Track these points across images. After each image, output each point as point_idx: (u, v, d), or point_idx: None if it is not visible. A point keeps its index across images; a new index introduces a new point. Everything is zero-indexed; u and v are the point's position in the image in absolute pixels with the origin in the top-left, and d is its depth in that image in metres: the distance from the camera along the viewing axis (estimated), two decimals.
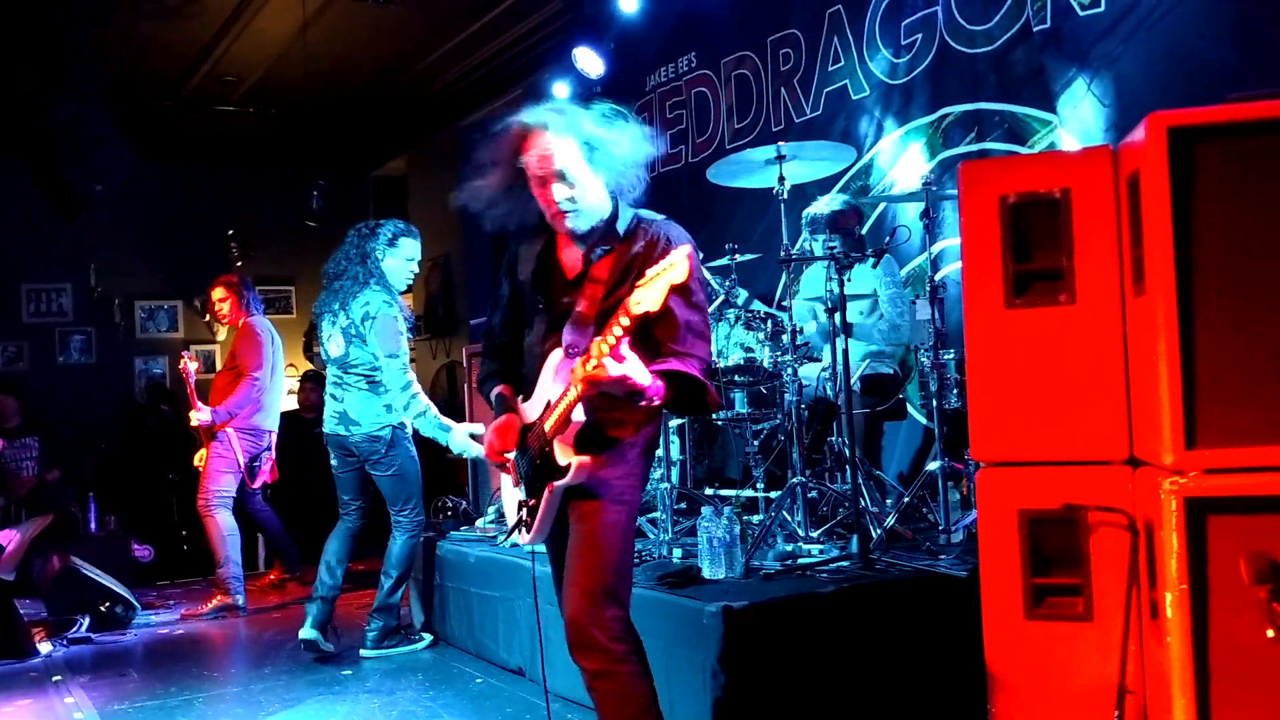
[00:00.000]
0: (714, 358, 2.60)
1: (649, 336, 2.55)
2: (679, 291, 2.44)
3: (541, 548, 2.87)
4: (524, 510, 2.72)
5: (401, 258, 5.07)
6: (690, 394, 2.56)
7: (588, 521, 2.60)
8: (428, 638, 5.12)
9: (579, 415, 2.56)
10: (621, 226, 2.67)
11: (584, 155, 2.57)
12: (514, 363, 2.85)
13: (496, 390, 2.85)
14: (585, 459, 2.57)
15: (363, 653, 4.91)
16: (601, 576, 2.55)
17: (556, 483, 2.59)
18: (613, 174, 2.63)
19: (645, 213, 2.73)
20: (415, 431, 5.02)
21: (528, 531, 2.70)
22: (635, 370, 2.36)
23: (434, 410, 4.87)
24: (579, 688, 3.93)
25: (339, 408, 5.00)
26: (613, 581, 2.56)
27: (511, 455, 2.75)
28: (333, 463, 5.14)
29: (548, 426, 2.59)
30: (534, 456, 2.66)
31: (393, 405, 4.92)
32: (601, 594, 2.53)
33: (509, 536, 3.07)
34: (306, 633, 4.85)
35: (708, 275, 2.57)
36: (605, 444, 2.62)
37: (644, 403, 2.45)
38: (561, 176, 2.57)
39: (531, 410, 2.72)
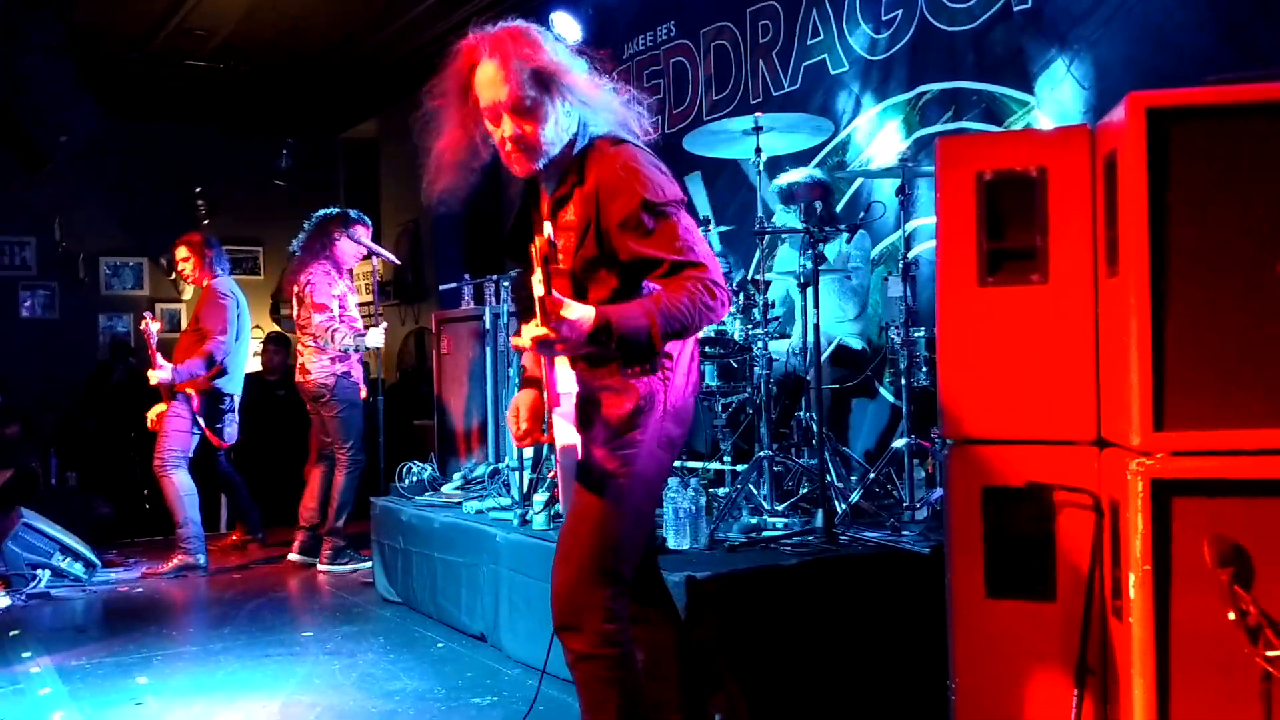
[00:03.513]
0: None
1: (634, 273, 2.35)
2: (627, 218, 2.27)
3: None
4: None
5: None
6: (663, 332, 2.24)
7: (587, 495, 2.39)
8: (369, 561, 5.64)
9: (567, 386, 2.40)
10: (575, 151, 2.38)
11: (535, 86, 2.29)
12: None
13: (521, 361, 2.72)
14: (572, 441, 2.40)
15: (320, 567, 6.02)
16: (599, 555, 2.35)
17: (558, 458, 2.48)
18: (570, 109, 2.35)
19: (606, 137, 2.40)
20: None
21: (561, 502, 2.61)
22: (568, 323, 2.12)
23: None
24: (538, 653, 3.94)
25: None
26: (610, 561, 2.36)
27: (542, 429, 2.58)
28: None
29: (546, 398, 2.47)
30: (548, 430, 2.53)
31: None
32: (598, 573, 2.35)
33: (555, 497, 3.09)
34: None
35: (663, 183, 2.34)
36: (603, 410, 2.39)
37: (612, 346, 2.18)
38: (512, 109, 2.30)
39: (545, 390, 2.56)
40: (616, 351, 2.23)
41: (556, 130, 2.35)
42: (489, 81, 2.30)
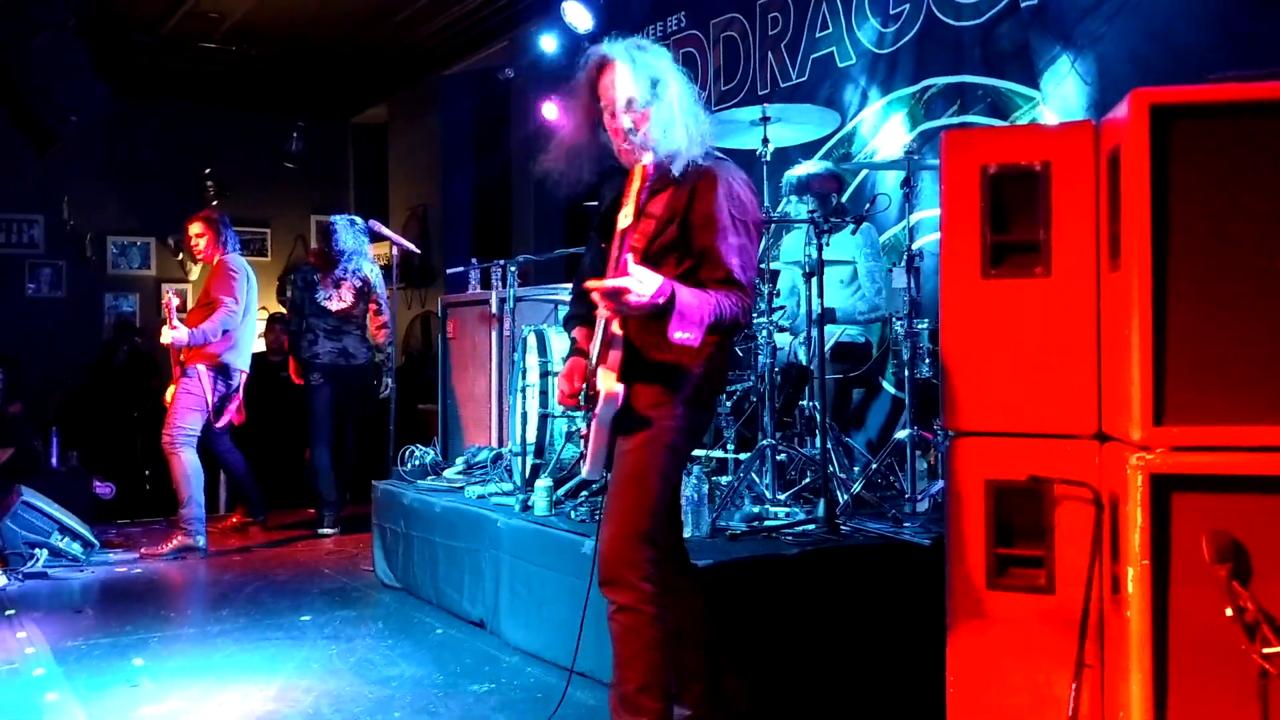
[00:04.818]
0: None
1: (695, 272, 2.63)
2: (713, 219, 2.60)
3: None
4: (584, 442, 2.80)
5: None
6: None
7: (629, 459, 2.66)
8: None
9: (619, 344, 2.63)
10: (678, 168, 2.68)
11: (650, 89, 2.67)
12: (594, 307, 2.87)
13: (572, 334, 2.97)
14: (615, 389, 2.61)
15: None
16: (638, 517, 2.61)
17: (596, 410, 2.65)
18: (677, 115, 2.68)
19: (708, 158, 2.72)
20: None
21: (586, 462, 2.78)
22: (640, 281, 2.41)
23: None
24: (536, 641, 3.97)
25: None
26: (649, 524, 2.61)
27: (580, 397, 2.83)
28: None
29: (594, 356, 2.70)
30: (588, 389, 2.75)
31: None
32: (638, 534, 2.60)
33: (576, 465, 3.19)
34: None
35: (748, 197, 2.72)
36: (647, 371, 2.65)
37: (669, 317, 2.46)
38: (629, 105, 2.67)
39: (594, 349, 2.79)
40: (667, 320, 2.47)
41: (661, 133, 2.67)
42: (616, 80, 2.68)
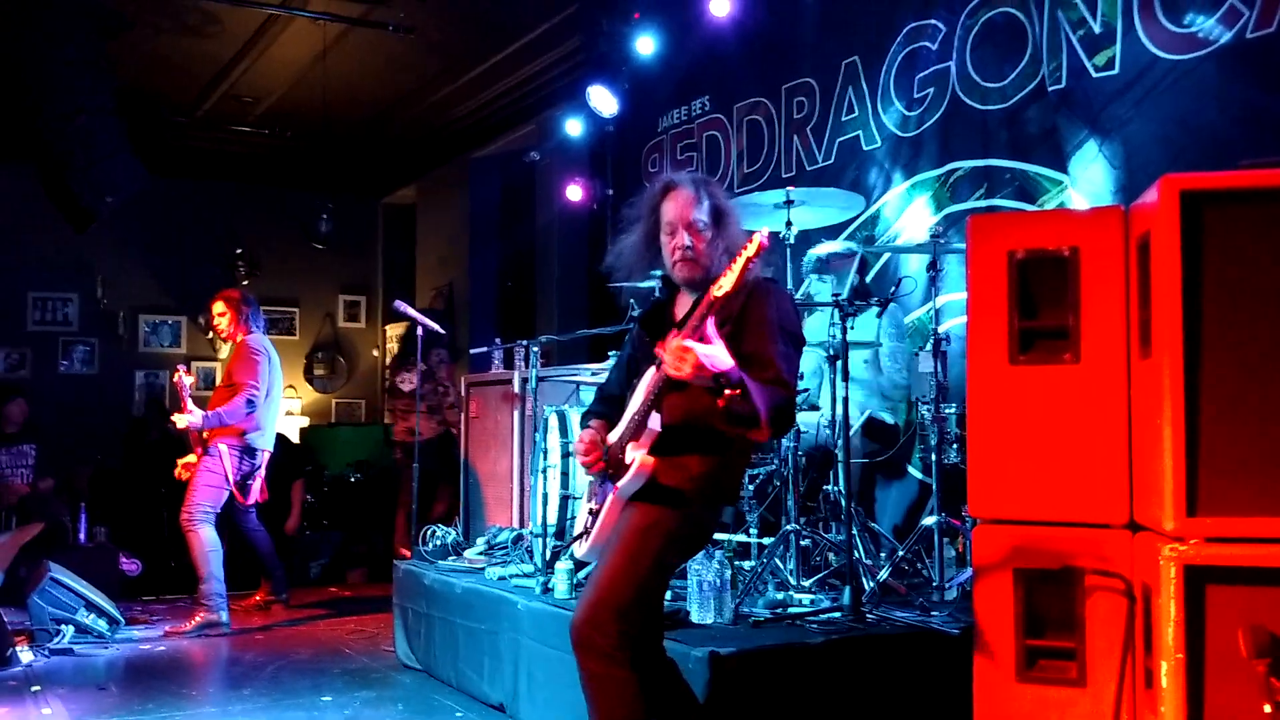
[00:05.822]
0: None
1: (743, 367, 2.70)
2: (764, 326, 2.77)
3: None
4: (590, 518, 2.87)
5: None
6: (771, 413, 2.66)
7: (628, 536, 2.72)
8: None
9: (654, 424, 2.71)
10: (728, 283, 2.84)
11: (711, 216, 2.93)
12: (617, 410, 2.99)
13: (590, 424, 3.08)
14: (648, 461, 2.69)
15: None
16: (621, 590, 2.65)
17: (620, 482, 2.72)
18: (729, 241, 2.94)
19: (762, 279, 2.93)
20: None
21: (587, 540, 2.87)
22: (719, 350, 2.52)
23: None
24: None
25: None
26: (629, 599, 2.65)
27: (600, 459, 2.91)
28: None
29: (626, 431, 2.79)
30: (609, 465, 2.83)
31: None
32: (615, 605, 2.64)
33: (572, 544, 3.24)
34: None
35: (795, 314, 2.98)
36: (675, 457, 2.75)
37: (729, 391, 2.53)
38: (689, 226, 2.91)
39: (617, 433, 2.88)
40: (724, 403, 2.56)
41: (715, 254, 2.93)
42: (682, 202, 2.94)
